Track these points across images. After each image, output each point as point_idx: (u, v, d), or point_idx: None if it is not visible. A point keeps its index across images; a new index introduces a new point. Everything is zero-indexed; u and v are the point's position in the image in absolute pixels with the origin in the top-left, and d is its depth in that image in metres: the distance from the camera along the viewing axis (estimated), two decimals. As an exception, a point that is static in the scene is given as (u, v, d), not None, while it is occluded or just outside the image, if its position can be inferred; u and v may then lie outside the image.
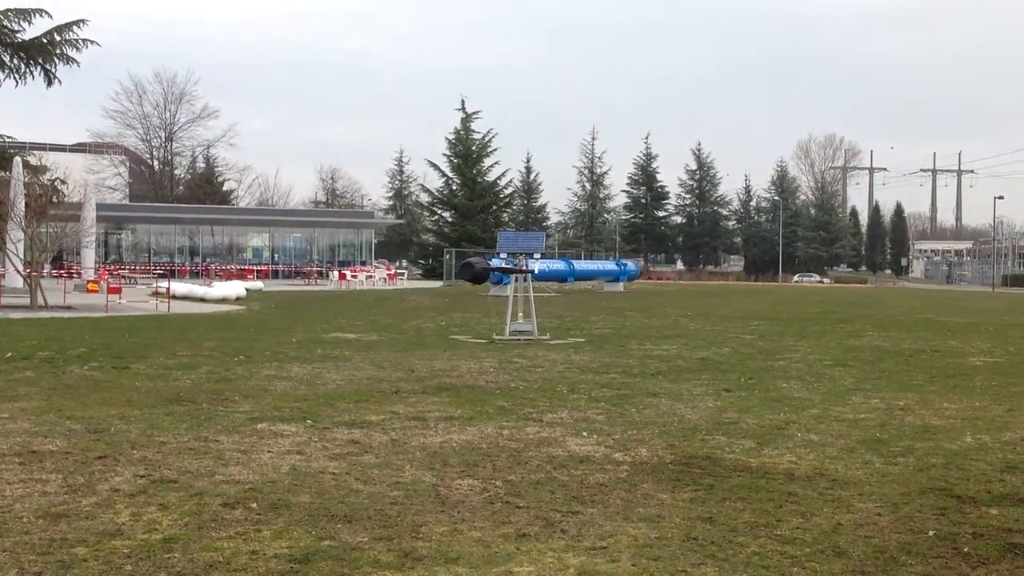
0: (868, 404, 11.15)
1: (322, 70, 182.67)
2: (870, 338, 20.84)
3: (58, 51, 40.73)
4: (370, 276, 55.21)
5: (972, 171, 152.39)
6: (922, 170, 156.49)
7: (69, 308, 26.60)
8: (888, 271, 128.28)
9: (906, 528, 6.08)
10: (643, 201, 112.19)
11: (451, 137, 78.54)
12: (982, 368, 15.26)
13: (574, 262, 57.40)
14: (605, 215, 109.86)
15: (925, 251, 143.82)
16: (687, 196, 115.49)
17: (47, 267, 35.32)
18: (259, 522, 5.96)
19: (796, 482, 7.23)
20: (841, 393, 12.06)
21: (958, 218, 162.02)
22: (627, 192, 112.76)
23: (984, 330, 24.17)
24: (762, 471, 7.58)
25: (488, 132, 79.02)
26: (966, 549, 5.68)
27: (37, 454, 7.76)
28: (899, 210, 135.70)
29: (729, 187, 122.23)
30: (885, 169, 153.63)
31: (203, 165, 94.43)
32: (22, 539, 5.53)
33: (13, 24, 40.32)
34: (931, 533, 5.97)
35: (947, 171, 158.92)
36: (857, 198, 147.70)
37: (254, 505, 6.32)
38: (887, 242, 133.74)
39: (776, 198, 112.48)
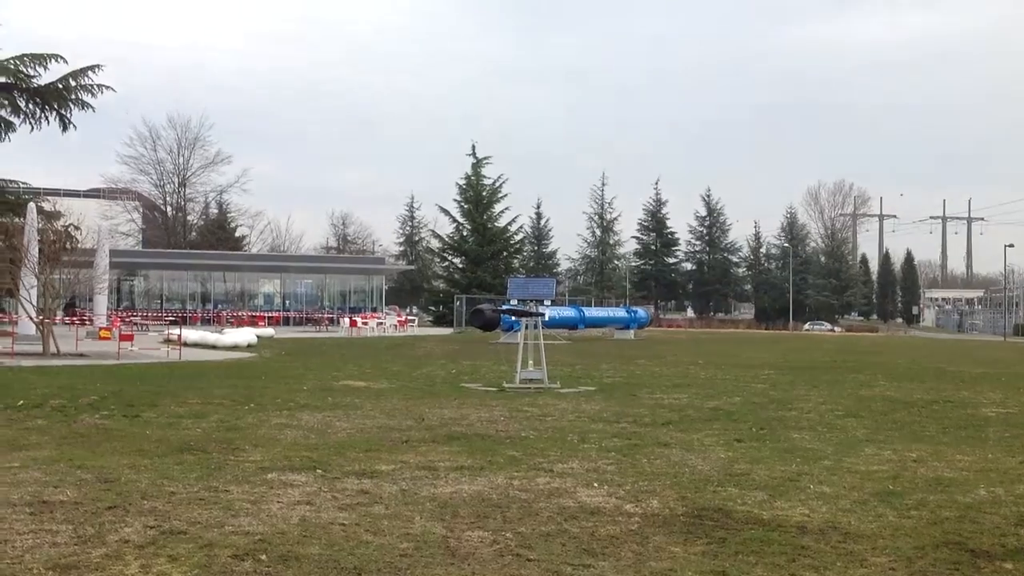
0: (881, 456, 11.09)
1: (335, 115, 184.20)
2: (882, 388, 20.74)
3: (73, 96, 41.18)
4: (381, 323, 55.25)
5: (982, 218, 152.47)
6: (932, 217, 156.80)
7: (81, 355, 26.67)
8: (899, 320, 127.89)
9: (920, 583, 6.03)
10: (653, 247, 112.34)
11: (462, 183, 78.75)
12: (995, 419, 15.16)
13: (584, 309, 57.38)
14: (615, 261, 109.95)
15: (936, 299, 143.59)
16: (697, 242, 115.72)
17: (59, 314, 35.46)
18: (268, 574, 5.94)
19: (809, 535, 7.19)
20: (853, 444, 11.99)
21: (968, 266, 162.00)
22: (637, 238, 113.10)
23: (996, 380, 24.04)
24: (774, 524, 7.53)
25: (498, 178, 79.22)
26: (981, 605, 5.63)
27: (48, 504, 7.76)
28: (909, 258, 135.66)
29: (739, 233, 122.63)
30: (895, 216, 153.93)
31: (215, 211, 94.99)
32: (32, 591, 5.52)
33: (29, 70, 40.85)
34: (945, 589, 5.92)
35: (957, 218, 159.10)
36: (867, 245, 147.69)
37: (263, 557, 6.31)
38: (898, 290, 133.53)
39: (786, 245, 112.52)
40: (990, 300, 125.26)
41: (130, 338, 30.08)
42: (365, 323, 53.24)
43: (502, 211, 79.44)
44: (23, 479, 8.76)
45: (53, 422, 12.81)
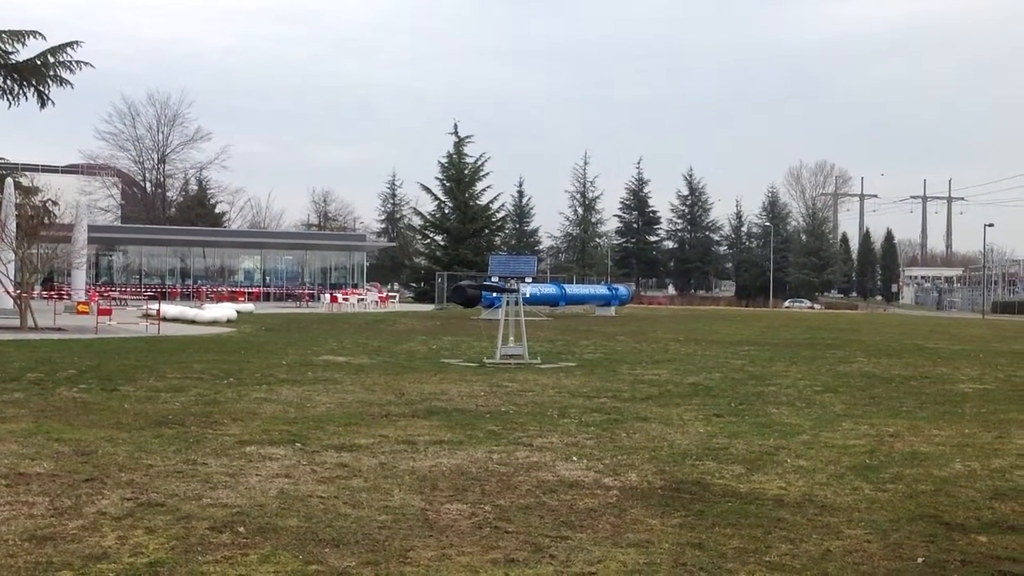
0: (858, 430, 11.16)
1: (316, 94, 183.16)
2: (860, 364, 20.86)
3: (52, 72, 40.72)
4: (361, 299, 55.11)
5: (962, 198, 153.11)
6: (912, 197, 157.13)
7: (59, 330, 26.53)
8: (878, 297, 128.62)
9: (895, 555, 6.08)
10: (635, 226, 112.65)
11: (444, 161, 78.51)
12: (971, 395, 15.28)
13: (565, 286, 57.38)
14: (597, 240, 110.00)
15: (915, 277, 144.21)
16: (679, 221, 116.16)
17: (37, 288, 35.22)
18: (246, 546, 5.93)
19: (785, 508, 7.23)
20: (831, 419, 12.07)
21: (948, 245, 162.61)
22: (619, 217, 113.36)
23: (974, 357, 24.22)
24: (751, 497, 7.57)
25: (480, 156, 78.98)
26: (955, 576, 5.68)
27: (24, 476, 7.72)
28: (889, 236, 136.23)
29: (720, 212, 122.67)
30: (875, 196, 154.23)
31: (195, 187, 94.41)
32: (7, 562, 5.50)
33: (7, 45, 40.30)
34: (920, 560, 5.97)
35: (937, 198, 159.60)
36: (848, 224, 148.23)
37: (241, 529, 6.30)
38: (877, 268, 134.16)
39: (767, 224, 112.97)
40: (969, 278, 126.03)
41: (108, 312, 29.91)
42: (346, 299, 53.11)
43: (484, 189, 79.36)
44: (-1, 452, 8.73)
45: (30, 395, 12.74)
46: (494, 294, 30.43)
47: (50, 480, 7.61)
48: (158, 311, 30.24)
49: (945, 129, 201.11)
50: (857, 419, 12.11)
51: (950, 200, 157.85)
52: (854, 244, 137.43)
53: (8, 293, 30.35)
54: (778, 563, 5.83)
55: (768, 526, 6.68)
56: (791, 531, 6.57)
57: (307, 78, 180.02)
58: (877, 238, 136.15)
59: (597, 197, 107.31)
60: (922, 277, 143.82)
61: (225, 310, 36.58)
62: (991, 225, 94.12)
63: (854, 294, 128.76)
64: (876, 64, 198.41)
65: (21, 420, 10.65)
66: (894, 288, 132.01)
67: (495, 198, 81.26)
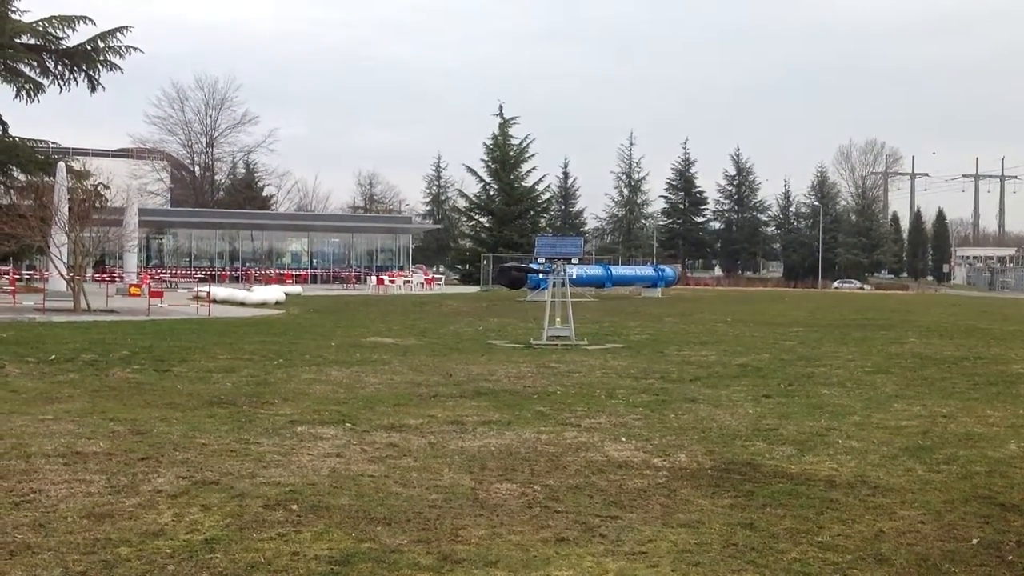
0: (910, 411, 11.04)
1: (362, 77, 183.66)
2: (912, 345, 20.60)
3: (102, 58, 41.25)
4: (408, 281, 55.33)
5: (1015, 177, 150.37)
6: (964, 175, 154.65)
7: (111, 312, 26.88)
8: (930, 278, 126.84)
9: (949, 536, 6.02)
10: (681, 207, 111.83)
11: (489, 143, 78.41)
12: (1026, 376, 15.04)
13: (611, 267, 57.22)
14: (643, 220, 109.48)
15: (967, 257, 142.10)
16: (726, 201, 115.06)
17: (90, 271, 35.72)
18: (299, 524, 6.00)
19: (837, 489, 7.18)
20: (882, 400, 11.95)
21: (1001, 224, 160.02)
22: (665, 197, 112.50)
23: (1028, 337, 23.81)
24: (803, 478, 7.52)
25: (526, 137, 78.77)
26: (1010, 557, 5.62)
27: (81, 455, 7.86)
28: (941, 216, 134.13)
29: (768, 192, 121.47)
30: (927, 175, 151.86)
31: (243, 171, 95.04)
32: (66, 538, 5.61)
33: (58, 31, 40.91)
34: (975, 541, 5.91)
35: (990, 176, 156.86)
36: (898, 204, 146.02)
37: (294, 507, 6.37)
38: (929, 248, 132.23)
39: (816, 204, 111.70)
40: (1022, 258, 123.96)
41: (160, 295, 30.31)
42: (392, 281, 53.32)
43: (529, 171, 79.20)
44: (56, 430, 8.88)
45: (85, 375, 12.96)
46: (540, 275, 30.43)
47: (106, 458, 7.74)
48: (208, 293, 30.56)
49: (998, 106, 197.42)
50: (909, 400, 11.97)
51: (1003, 179, 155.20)
52: (905, 224, 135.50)
53: (62, 275, 30.81)
54: (830, 544, 5.79)
55: (820, 507, 6.64)
56: (843, 512, 6.53)
57: (350, 60, 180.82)
58: (928, 218, 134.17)
59: (643, 178, 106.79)
60: (974, 257, 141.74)
61: (273, 292, 36.90)
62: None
63: (904, 275, 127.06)
64: (928, 40, 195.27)
65: (77, 400, 10.84)
66: (945, 268, 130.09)
67: (540, 179, 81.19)
